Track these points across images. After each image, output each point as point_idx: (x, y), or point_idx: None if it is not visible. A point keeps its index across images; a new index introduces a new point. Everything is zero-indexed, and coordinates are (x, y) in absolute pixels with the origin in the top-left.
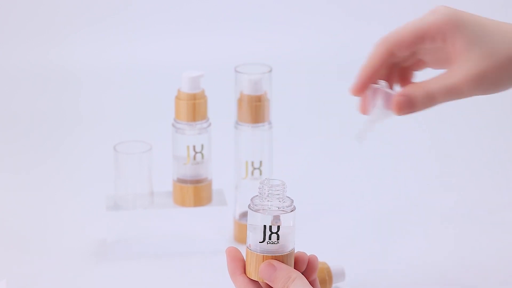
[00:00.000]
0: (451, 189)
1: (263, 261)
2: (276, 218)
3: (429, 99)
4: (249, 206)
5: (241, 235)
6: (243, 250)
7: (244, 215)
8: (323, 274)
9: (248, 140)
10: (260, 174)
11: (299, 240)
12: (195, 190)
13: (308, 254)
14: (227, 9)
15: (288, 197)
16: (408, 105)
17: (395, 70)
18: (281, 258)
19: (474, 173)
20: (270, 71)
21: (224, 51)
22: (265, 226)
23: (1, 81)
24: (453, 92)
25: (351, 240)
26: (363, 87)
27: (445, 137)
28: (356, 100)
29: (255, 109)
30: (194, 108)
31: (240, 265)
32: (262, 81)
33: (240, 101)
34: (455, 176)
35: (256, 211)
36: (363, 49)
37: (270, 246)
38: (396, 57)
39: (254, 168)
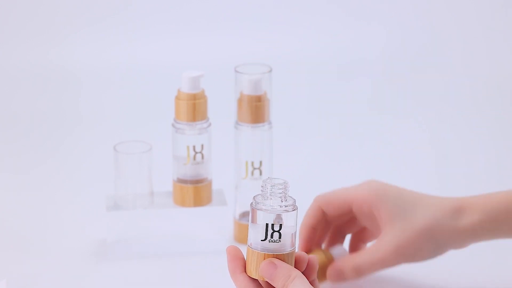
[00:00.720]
0: (451, 190)
1: (263, 259)
2: (278, 216)
3: (357, 273)
4: (251, 204)
5: (241, 235)
6: (243, 249)
7: (244, 215)
8: (322, 257)
9: (248, 140)
10: (260, 174)
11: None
12: (195, 190)
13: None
14: (227, 9)
15: (291, 197)
16: (338, 278)
17: (334, 230)
18: (282, 257)
19: (475, 173)
20: (270, 71)
21: (224, 51)
22: (267, 225)
23: (1, 81)
24: (378, 265)
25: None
26: (308, 245)
27: (445, 138)
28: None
29: (255, 109)
30: (194, 108)
31: (240, 264)
32: (262, 81)
33: (240, 101)
34: (455, 177)
35: (259, 209)
36: (363, 49)
37: (272, 245)
38: (329, 217)
39: (254, 168)
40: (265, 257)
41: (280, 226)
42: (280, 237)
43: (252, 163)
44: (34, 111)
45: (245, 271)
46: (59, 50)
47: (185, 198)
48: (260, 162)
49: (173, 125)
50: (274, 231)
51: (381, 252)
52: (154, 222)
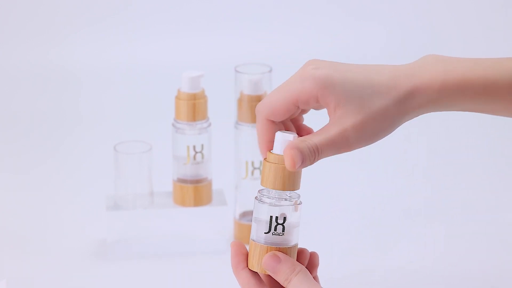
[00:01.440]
0: (452, 190)
1: (266, 252)
2: (283, 210)
3: (313, 151)
4: (256, 197)
5: (241, 235)
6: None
7: (244, 215)
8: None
9: (248, 140)
10: (260, 174)
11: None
12: (195, 190)
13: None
14: (227, 9)
15: (295, 192)
16: (296, 157)
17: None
18: (285, 251)
19: (475, 174)
20: (270, 71)
21: (224, 51)
22: (271, 217)
23: (1, 81)
24: (336, 143)
25: (351, 240)
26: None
27: (445, 139)
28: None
29: (255, 109)
30: (194, 108)
31: (243, 259)
32: (262, 81)
33: (240, 101)
34: (454, 177)
35: (263, 202)
36: (363, 49)
37: (275, 238)
38: (278, 121)
39: (254, 168)
40: (268, 250)
41: (284, 219)
42: (283, 230)
43: (252, 163)
44: (34, 111)
45: (247, 266)
46: (59, 50)
47: (185, 198)
48: (260, 162)
49: (173, 125)
50: (278, 224)
51: (337, 130)
52: (154, 222)
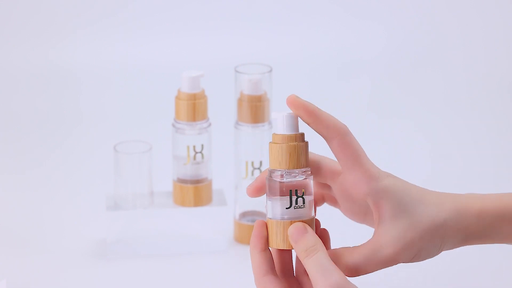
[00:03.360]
0: (449, 190)
1: (290, 225)
2: (300, 182)
3: (351, 273)
4: (269, 176)
5: (241, 235)
6: (244, 250)
7: (244, 215)
8: None
9: (248, 140)
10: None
11: None
12: (195, 190)
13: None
14: (227, 9)
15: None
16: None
17: None
18: (308, 223)
19: (473, 173)
20: (270, 71)
21: (224, 51)
22: (291, 191)
23: (1, 81)
24: (379, 266)
25: (352, 240)
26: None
27: (445, 137)
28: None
29: (255, 109)
30: (194, 108)
31: (262, 242)
32: (262, 81)
33: (240, 101)
34: (454, 177)
35: (281, 176)
36: (363, 49)
37: (297, 211)
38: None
39: (254, 168)
40: (291, 223)
41: (303, 192)
42: (304, 202)
43: (252, 163)
44: (34, 111)
45: (269, 246)
46: (59, 50)
47: (185, 198)
48: (260, 162)
49: (173, 125)
50: (298, 196)
51: (384, 251)
52: (154, 222)
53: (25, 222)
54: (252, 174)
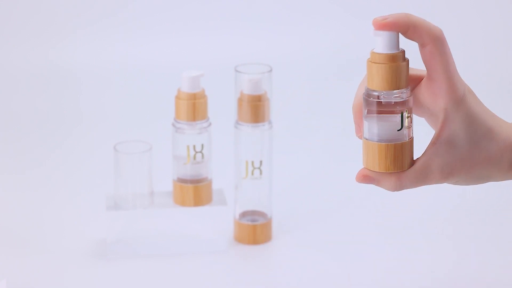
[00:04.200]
0: (452, 189)
1: (401, 148)
2: (403, 103)
3: (397, 187)
4: (366, 95)
5: (241, 235)
6: (244, 250)
7: (244, 215)
8: None
9: (248, 140)
10: (260, 174)
11: (298, 241)
12: (195, 190)
13: (308, 256)
14: (227, 9)
15: None
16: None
17: None
18: (405, 146)
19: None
20: (270, 71)
21: (224, 51)
22: (402, 113)
23: (1, 81)
24: (422, 185)
25: (352, 240)
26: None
27: None
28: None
29: (255, 109)
30: (194, 107)
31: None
32: (262, 81)
33: (240, 100)
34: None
35: (379, 97)
36: (363, 49)
37: (402, 133)
38: None
39: (254, 168)
40: (402, 146)
41: (402, 112)
42: (411, 121)
43: (252, 162)
44: (34, 111)
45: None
46: (59, 50)
47: (185, 198)
48: (260, 162)
49: (173, 125)
50: (405, 118)
51: (430, 176)
52: (154, 222)
53: (25, 222)
54: (252, 174)
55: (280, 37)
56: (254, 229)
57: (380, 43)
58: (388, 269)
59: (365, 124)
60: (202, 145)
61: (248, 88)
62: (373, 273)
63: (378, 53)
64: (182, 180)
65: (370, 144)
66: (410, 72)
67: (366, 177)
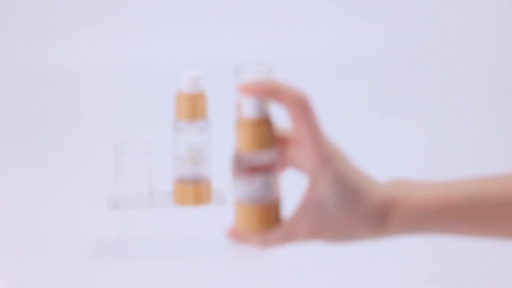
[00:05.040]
0: None
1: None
2: (266, 163)
3: (263, 245)
4: (235, 158)
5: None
6: (243, 250)
7: None
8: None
9: None
10: None
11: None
12: (195, 190)
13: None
14: (227, 9)
15: None
16: (239, 239)
17: None
18: (274, 205)
19: (475, 173)
20: (270, 71)
21: (224, 51)
22: (267, 173)
23: (1, 81)
24: (289, 243)
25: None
26: None
27: (445, 136)
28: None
29: None
30: (194, 108)
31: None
32: None
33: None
34: (455, 175)
35: (247, 158)
36: (363, 49)
37: (271, 192)
38: None
39: None
40: (268, 206)
41: (268, 173)
42: (277, 182)
43: None
44: (34, 111)
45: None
46: (59, 50)
47: (185, 198)
48: None
49: (173, 125)
50: (271, 178)
51: (296, 236)
52: (154, 222)
53: (25, 222)
54: None
55: (280, 37)
56: None
57: (245, 107)
58: (388, 269)
59: (234, 184)
60: (202, 145)
61: None
62: (373, 273)
63: (242, 117)
64: (182, 180)
65: (237, 203)
66: (282, 132)
67: (234, 235)
